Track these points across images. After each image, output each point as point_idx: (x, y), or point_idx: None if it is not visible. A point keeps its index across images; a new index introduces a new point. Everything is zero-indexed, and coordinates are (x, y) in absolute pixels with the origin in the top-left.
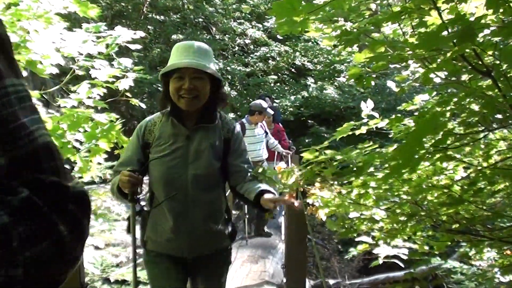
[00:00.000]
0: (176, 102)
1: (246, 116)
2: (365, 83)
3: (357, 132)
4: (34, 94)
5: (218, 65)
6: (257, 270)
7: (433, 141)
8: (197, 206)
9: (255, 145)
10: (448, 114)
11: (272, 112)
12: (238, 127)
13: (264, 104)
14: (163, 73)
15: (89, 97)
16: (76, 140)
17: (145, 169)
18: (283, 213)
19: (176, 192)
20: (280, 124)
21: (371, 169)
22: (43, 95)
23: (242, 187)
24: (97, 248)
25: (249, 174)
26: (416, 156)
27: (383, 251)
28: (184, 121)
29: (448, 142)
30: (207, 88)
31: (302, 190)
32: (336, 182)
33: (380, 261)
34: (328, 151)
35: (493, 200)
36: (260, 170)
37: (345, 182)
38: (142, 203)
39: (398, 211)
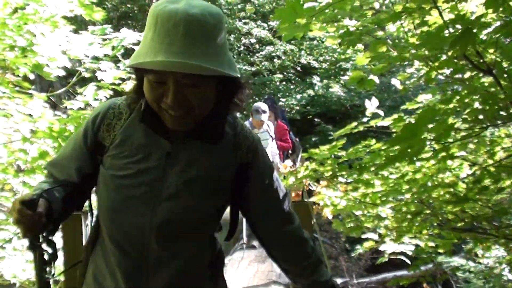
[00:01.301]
0: (157, 111)
1: (249, 118)
2: (366, 86)
3: (356, 130)
4: (41, 96)
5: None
6: (264, 270)
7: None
8: (163, 268)
9: None
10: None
11: (262, 117)
12: (261, 144)
13: (263, 107)
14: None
15: (95, 99)
16: None
17: (87, 188)
18: None
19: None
20: (283, 122)
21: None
22: (50, 97)
23: (293, 262)
24: None
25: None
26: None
27: (389, 248)
28: (165, 128)
29: (451, 140)
30: (210, 96)
31: (307, 189)
32: (341, 179)
33: (386, 258)
34: (325, 147)
35: (499, 197)
36: None
37: (350, 180)
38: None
39: (403, 209)
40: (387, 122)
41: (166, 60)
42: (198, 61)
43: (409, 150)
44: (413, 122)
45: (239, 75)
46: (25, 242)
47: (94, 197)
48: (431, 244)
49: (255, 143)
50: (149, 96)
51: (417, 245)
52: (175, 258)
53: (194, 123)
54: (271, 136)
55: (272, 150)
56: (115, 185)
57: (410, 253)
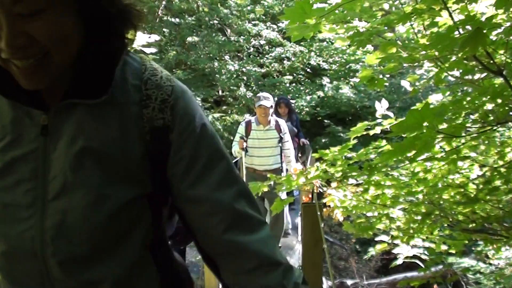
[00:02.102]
0: (5, 67)
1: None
2: (377, 85)
3: (371, 132)
4: None
5: (233, 66)
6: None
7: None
8: None
9: (262, 151)
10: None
11: (263, 102)
12: (187, 93)
13: (265, 94)
14: None
15: None
16: None
17: None
18: (299, 213)
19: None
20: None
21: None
22: None
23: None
24: None
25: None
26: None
27: (402, 251)
28: (32, 93)
29: (462, 141)
30: (67, 28)
31: (317, 191)
32: (351, 180)
33: (400, 261)
34: (336, 148)
35: (509, 198)
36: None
37: (360, 181)
38: None
39: (414, 210)
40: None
41: None
42: None
43: (416, 142)
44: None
45: None
46: None
47: None
48: (443, 246)
49: (176, 95)
50: None
51: (429, 247)
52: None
53: (58, 74)
54: (281, 135)
55: (285, 152)
56: None
57: (422, 256)
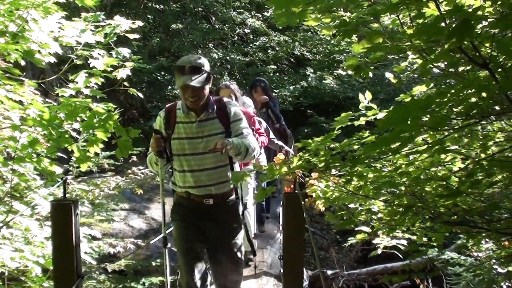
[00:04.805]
0: None
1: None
2: (362, 73)
3: (356, 123)
4: (32, 83)
5: (217, 54)
6: (255, 260)
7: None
8: None
9: (199, 159)
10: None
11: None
12: None
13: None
14: None
15: (87, 87)
16: (74, 130)
17: None
18: (281, 203)
19: None
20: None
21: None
22: (41, 84)
23: None
24: (94, 238)
25: None
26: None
27: (382, 241)
28: None
29: (446, 133)
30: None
31: (300, 181)
32: (334, 171)
33: (379, 251)
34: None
35: (491, 191)
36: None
37: (343, 172)
38: None
39: (396, 202)
40: (382, 114)
41: None
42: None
43: (401, 135)
44: (404, 104)
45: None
46: None
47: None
48: (424, 238)
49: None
50: None
51: (409, 239)
52: None
53: None
54: (230, 127)
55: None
56: None
57: (401, 247)
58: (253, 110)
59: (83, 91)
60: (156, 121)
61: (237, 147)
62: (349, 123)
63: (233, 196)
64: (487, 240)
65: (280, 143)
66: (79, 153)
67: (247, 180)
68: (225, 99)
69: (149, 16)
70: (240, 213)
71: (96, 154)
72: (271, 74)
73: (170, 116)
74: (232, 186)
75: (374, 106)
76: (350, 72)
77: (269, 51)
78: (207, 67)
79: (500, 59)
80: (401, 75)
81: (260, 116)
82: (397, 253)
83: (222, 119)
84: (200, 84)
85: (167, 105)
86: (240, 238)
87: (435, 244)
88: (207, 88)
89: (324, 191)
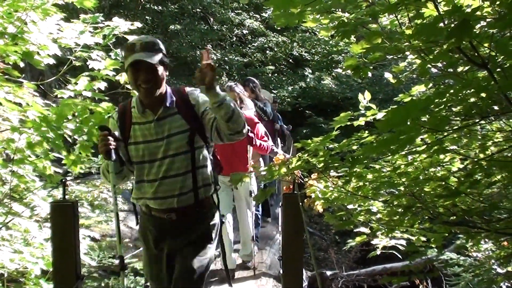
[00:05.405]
0: None
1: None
2: (361, 73)
3: (356, 123)
4: (31, 85)
5: (216, 55)
6: (254, 261)
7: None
8: None
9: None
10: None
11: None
12: None
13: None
14: None
15: (89, 90)
16: (69, 136)
17: None
18: (280, 203)
19: None
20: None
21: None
22: (40, 86)
23: None
24: (93, 239)
25: None
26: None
27: (381, 242)
28: None
29: (445, 134)
30: None
31: (299, 181)
32: (332, 172)
33: (378, 252)
34: (318, 138)
35: (490, 191)
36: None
37: (341, 174)
38: None
39: (395, 202)
40: (381, 114)
41: None
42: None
43: (401, 137)
44: (403, 106)
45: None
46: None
47: None
48: (423, 238)
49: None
50: None
51: (408, 240)
52: None
53: None
54: (196, 123)
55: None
56: None
57: (400, 247)
58: (254, 113)
59: (83, 93)
60: (109, 124)
61: (228, 101)
62: (348, 123)
63: (205, 209)
64: (486, 240)
65: (281, 151)
66: (74, 156)
67: (246, 180)
68: (187, 89)
69: (148, 17)
70: (216, 228)
71: (94, 156)
72: (270, 75)
73: (125, 117)
74: (203, 196)
75: (373, 105)
76: (348, 72)
77: (267, 51)
78: (163, 48)
79: (499, 59)
80: (400, 75)
81: None
82: (396, 254)
83: (185, 114)
84: (155, 61)
85: (120, 104)
86: (207, 259)
87: (434, 244)
88: (164, 74)
89: (323, 191)
